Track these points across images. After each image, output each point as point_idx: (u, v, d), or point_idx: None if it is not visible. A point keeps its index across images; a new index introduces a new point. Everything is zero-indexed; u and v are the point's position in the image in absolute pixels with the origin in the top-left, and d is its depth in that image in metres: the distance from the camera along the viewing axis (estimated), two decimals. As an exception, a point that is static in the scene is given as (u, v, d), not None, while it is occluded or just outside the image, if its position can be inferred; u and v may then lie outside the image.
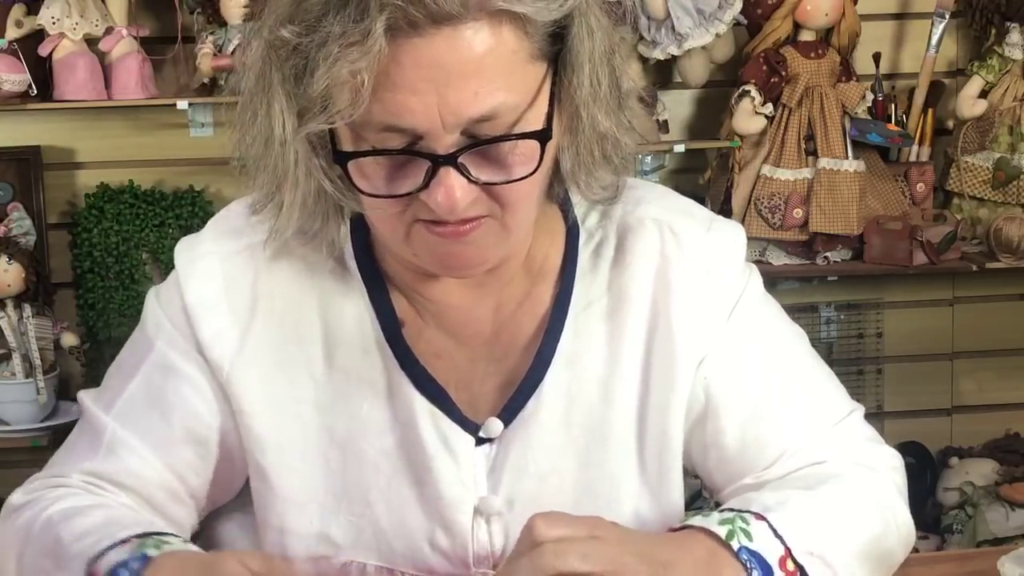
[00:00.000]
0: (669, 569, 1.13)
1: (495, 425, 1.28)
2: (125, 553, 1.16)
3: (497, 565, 1.30)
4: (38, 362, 2.81)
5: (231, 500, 1.35)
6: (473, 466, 1.28)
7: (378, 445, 1.28)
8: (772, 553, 1.18)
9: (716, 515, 1.20)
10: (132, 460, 1.27)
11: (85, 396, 1.33)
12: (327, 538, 1.28)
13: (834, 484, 1.27)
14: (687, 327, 1.29)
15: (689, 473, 1.37)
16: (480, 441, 1.28)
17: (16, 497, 1.30)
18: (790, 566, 1.19)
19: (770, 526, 1.20)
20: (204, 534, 1.36)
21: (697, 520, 1.20)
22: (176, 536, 1.21)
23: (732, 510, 1.22)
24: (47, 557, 1.21)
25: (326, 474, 1.28)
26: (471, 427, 1.28)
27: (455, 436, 1.27)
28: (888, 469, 1.33)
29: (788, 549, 1.19)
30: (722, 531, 1.18)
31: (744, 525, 1.19)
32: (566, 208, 1.32)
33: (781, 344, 1.35)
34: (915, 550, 1.35)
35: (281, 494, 1.28)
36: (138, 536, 1.18)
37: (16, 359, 2.80)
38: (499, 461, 1.29)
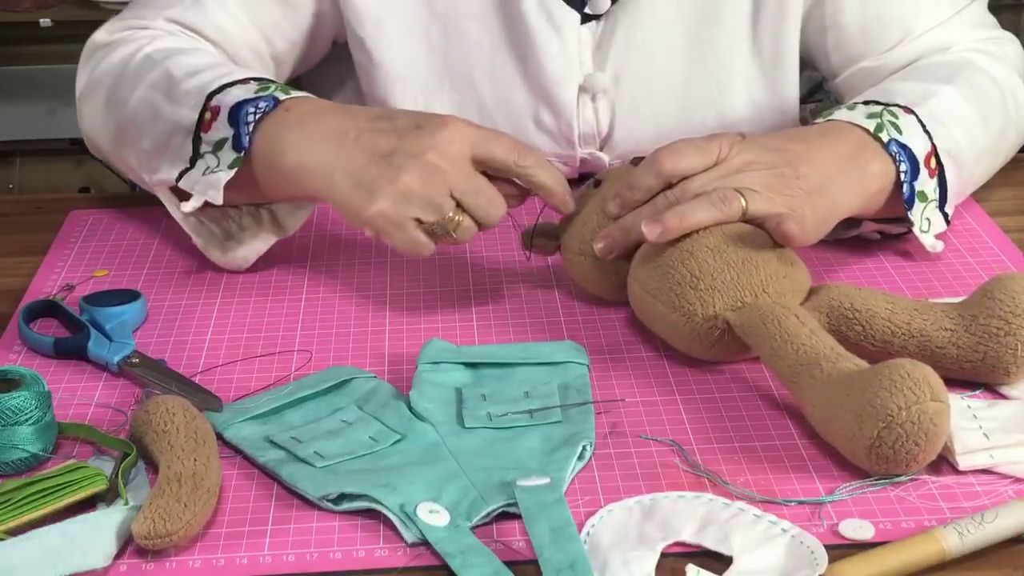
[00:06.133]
0: (808, 157, 1.05)
1: (602, 0, 1.23)
2: (250, 91, 1.10)
3: (603, 145, 1.28)
4: None
5: (334, 74, 1.33)
6: (578, 42, 1.25)
7: (480, 21, 1.25)
8: (920, 148, 1.12)
9: (862, 108, 1.13)
10: (219, 13, 1.24)
11: None
12: None
13: (968, 75, 1.20)
14: None
15: (808, 66, 1.31)
16: (586, 19, 1.25)
17: (100, 35, 1.26)
18: (932, 164, 1.13)
19: (918, 119, 1.13)
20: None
21: (841, 114, 1.12)
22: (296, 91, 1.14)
23: (877, 103, 1.14)
24: (155, 90, 1.15)
25: (427, 50, 1.26)
26: (577, 3, 1.24)
27: (559, 11, 1.24)
28: (1013, 55, 1.28)
29: (934, 145, 1.13)
30: (871, 124, 1.11)
31: (892, 119, 1.12)
32: None
33: None
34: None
35: (383, 68, 1.26)
36: (258, 80, 1.13)
37: None
38: (606, 38, 1.26)
